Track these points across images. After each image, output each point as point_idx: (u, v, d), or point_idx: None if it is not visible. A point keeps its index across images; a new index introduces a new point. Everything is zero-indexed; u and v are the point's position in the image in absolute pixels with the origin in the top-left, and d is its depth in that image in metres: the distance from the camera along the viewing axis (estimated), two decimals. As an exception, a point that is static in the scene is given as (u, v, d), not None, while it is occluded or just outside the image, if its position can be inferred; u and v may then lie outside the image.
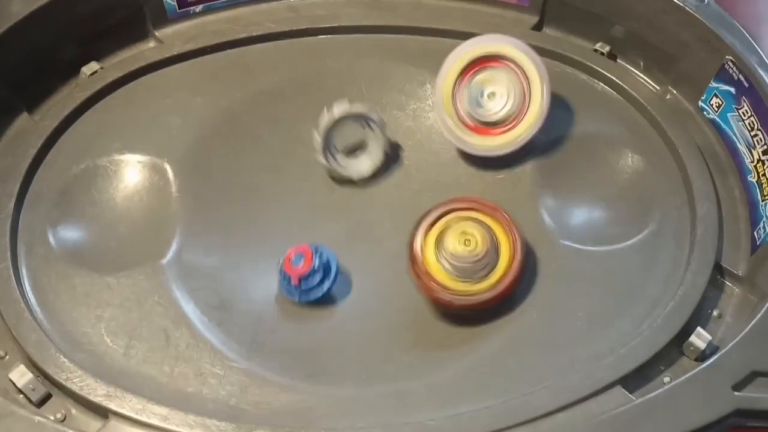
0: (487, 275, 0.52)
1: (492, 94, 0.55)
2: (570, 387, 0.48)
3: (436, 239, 0.53)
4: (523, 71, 0.57)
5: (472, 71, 0.58)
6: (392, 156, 0.62)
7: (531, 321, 0.53)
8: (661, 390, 0.42)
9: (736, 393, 0.43)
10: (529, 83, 0.56)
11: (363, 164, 0.59)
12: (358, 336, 0.53)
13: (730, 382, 0.43)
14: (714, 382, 0.43)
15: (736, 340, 0.45)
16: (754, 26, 0.62)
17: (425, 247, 0.52)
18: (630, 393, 0.48)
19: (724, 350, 0.44)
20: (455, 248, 0.52)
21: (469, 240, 0.52)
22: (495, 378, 0.50)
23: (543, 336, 0.53)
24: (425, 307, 0.55)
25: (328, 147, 0.57)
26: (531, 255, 0.54)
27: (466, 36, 0.67)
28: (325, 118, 0.55)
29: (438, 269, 0.52)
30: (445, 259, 0.52)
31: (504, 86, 0.56)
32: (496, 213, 0.54)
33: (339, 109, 0.56)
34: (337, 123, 0.57)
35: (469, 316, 0.53)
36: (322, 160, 0.57)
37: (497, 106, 0.56)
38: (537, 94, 0.56)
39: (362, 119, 0.59)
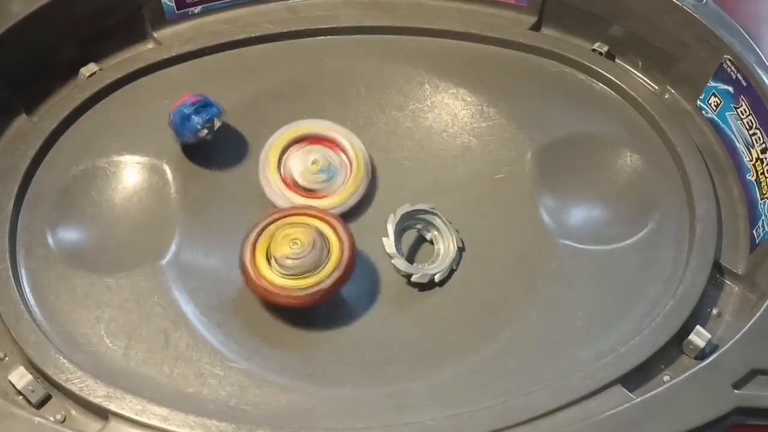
0: (318, 270, 0.52)
1: (315, 163, 0.59)
2: (570, 386, 0.48)
3: (266, 250, 0.53)
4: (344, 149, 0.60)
5: (299, 145, 0.61)
6: (391, 157, 0.63)
7: (530, 321, 0.53)
8: (660, 389, 0.42)
9: (736, 391, 0.43)
10: (348, 159, 0.60)
11: (439, 266, 0.57)
12: (357, 337, 0.53)
13: (730, 380, 0.43)
14: (714, 380, 0.43)
15: (736, 338, 0.45)
16: (752, 26, 0.62)
17: (255, 258, 0.53)
18: (630, 392, 0.48)
19: (723, 348, 0.44)
20: (283, 251, 0.52)
21: (297, 240, 0.52)
22: (494, 378, 0.50)
23: (542, 335, 0.53)
24: (425, 309, 0.55)
25: (400, 252, 0.56)
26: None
27: (463, 36, 0.68)
28: (390, 225, 0.55)
29: (270, 273, 0.52)
30: (276, 262, 0.52)
31: (327, 161, 0.59)
32: (320, 214, 0.55)
33: (401, 210, 0.56)
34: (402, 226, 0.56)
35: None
36: (402, 266, 0.55)
37: (321, 177, 0.59)
38: (357, 168, 0.59)
39: (424, 216, 0.58)
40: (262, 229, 0.54)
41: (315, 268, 0.52)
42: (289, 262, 0.52)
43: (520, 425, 0.46)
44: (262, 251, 0.53)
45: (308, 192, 0.59)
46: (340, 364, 0.52)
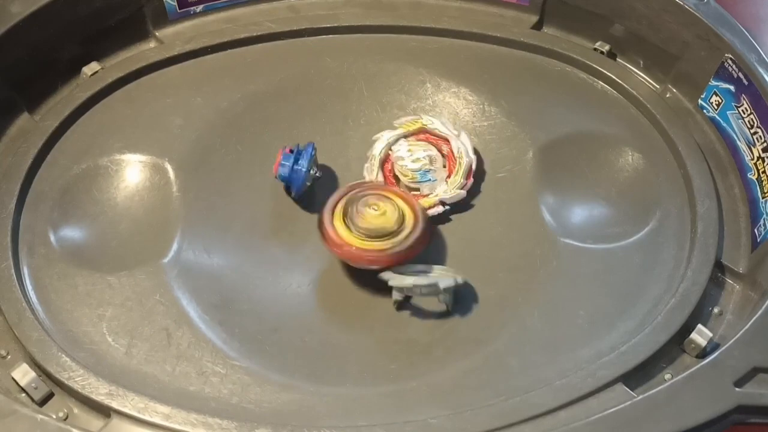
0: (398, 231, 0.54)
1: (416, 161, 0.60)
2: (571, 385, 0.48)
3: (343, 214, 0.55)
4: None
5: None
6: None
7: (532, 319, 0.53)
8: (662, 387, 0.42)
9: (737, 389, 0.43)
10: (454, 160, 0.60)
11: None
12: (359, 335, 0.54)
13: (732, 378, 0.43)
14: (715, 378, 0.43)
15: (737, 336, 0.45)
16: (752, 26, 0.62)
17: (335, 221, 0.55)
18: (631, 390, 0.48)
19: (725, 347, 0.44)
20: (365, 215, 0.54)
21: (377, 205, 0.54)
22: (496, 376, 0.50)
23: (544, 334, 0.53)
24: (427, 307, 0.55)
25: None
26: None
27: (465, 35, 0.68)
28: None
29: (351, 236, 0.54)
30: (356, 225, 0.54)
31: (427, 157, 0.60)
32: (392, 188, 0.57)
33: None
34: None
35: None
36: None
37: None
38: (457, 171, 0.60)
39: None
40: (342, 196, 0.56)
41: (390, 232, 0.54)
42: (366, 223, 0.54)
43: (522, 423, 0.46)
44: (339, 216, 0.55)
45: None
46: (341, 362, 0.52)
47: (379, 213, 0.54)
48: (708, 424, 0.40)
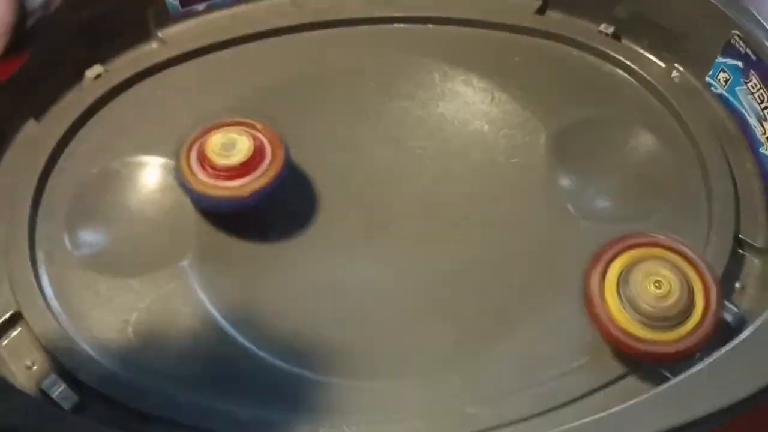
0: (681, 323, 0.45)
1: None
2: (606, 366, 0.48)
3: (617, 280, 0.46)
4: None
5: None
6: (403, 146, 0.62)
7: (560, 303, 0.53)
8: (703, 365, 0.42)
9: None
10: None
11: None
12: (388, 328, 0.53)
13: (770, 349, 0.43)
14: (756, 352, 0.43)
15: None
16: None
17: (605, 287, 0.46)
18: (664, 369, 0.49)
19: (759, 321, 0.44)
20: (644, 290, 0.45)
21: (660, 281, 0.45)
22: (529, 362, 0.50)
23: (573, 317, 0.52)
24: (450, 297, 0.55)
25: None
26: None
27: (469, 23, 0.68)
28: None
29: (621, 314, 0.46)
30: (629, 302, 0.46)
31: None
32: (683, 251, 0.47)
33: None
34: None
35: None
36: None
37: None
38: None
39: None
40: (615, 254, 0.47)
41: (679, 319, 0.45)
42: (650, 308, 0.45)
43: (561, 407, 0.46)
44: (612, 286, 0.46)
45: None
46: (373, 356, 0.52)
47: (663, 293, 0.44)
48: (753, 397, 0.40)
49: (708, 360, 0.44)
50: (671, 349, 0.45)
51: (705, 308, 0.45)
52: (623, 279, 0.46)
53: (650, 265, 0.46)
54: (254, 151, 0.54)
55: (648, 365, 0.48)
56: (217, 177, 0.53)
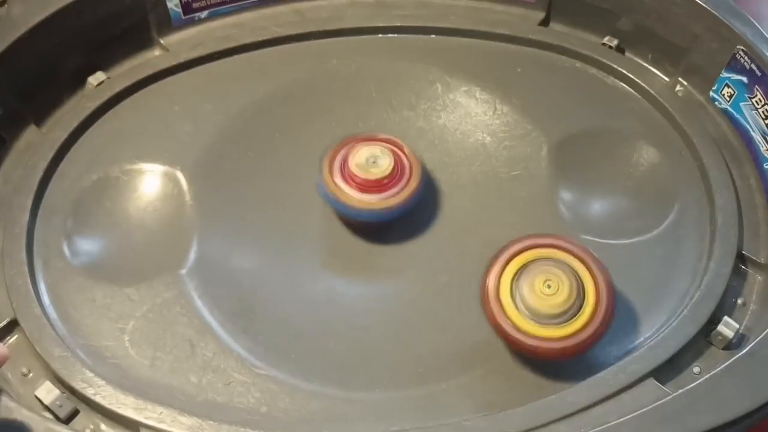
0: (569, 320, 0.47)
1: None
2: (603, 381, 0.48)
3: (512, 279, 0.49)
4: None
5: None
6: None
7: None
8: (702, 380, 0.42)
9: (776, 378, 0.43)
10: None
11: None
12: (385, 339, 0.53)
13: (769, 368, 0.43)
14: (754, 368, 0.42)
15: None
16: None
17: (500, 285, 0.48)
18: (662, 384, 0.48)
19: (761, 336, 0.44)
20: (535, 289, 0.48)
21: (551, 281, 0.47)
22: (526, 375, 0.50)
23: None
24: (450, 308, 0.54)
25: None
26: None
27: (473, 34, 0.67)
28: None
29: (514, 311, 0.48)
30: (522, 300, 0.48)
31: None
32: (581, 254, 0.49)
33: None
34: None
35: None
36: None
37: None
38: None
39: None
40: (510, 258, 0.49)
41: (570, 316, 0.47)
42: (536, 304, 0.47)
43: (557, 422, 0.46)
44: (507, 283, 0.48)
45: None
46: (369, 367, 0.51)
47: (552, 292, 0.47)
48: (750, 415, 0.40)
49: (705, 376, 0.44)
50: (558, 345, 0.47)
51: (595, 308, 0.47)
52: (517, 277, 0.48)
53: (544, 266, 0.48)
54: (395, 167, 0.56)
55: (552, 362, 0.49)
56: (362, 190, 0.55)
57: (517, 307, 0.48)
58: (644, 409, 0.40)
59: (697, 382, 0.41)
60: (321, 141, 0.62)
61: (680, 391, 0.41)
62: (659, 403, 0.41)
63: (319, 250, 0.57)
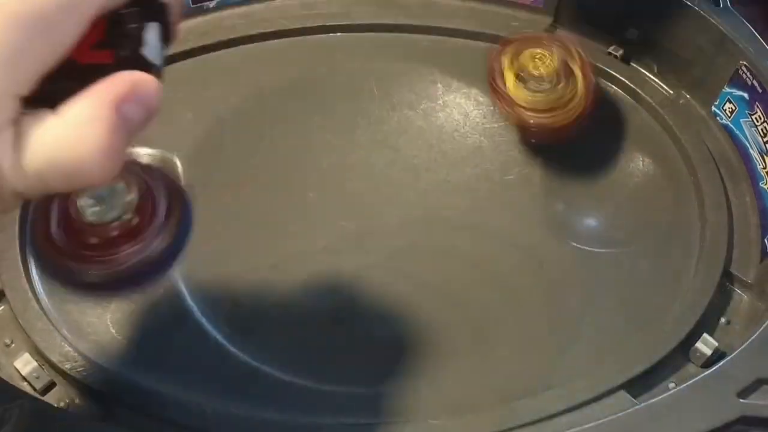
0: (563, 95, 0.55)
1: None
2: (574, 390, 0.48)
3: (510, 60, 0.56)
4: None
5: None
6: (401, 155, 0.62)
7: (536, 322, 0.53)
8: (665, 395, 0.41)
9: (741, 400, 0.42)
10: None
11: None
12: (359, 335, 0.53)
13: (735, 389, 0.43)
14: (719, 388, 0.42)
15: (742, 347, 0.45)
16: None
17: (505, 69, 0.56)
18: (634, 398, 0.48)
19: (729, 357, 0.44)
20: (530, 63, 0.55)
21: (542, 56, 0.56)
22: (498, 379, 0.50)
23: (548, 338, 0.53)
24: (429, 309, 0.54)
25: None
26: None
27: (478, 36, 0.67)
28: None
29: (518, 89, 0.55)
30: (522, 78, 0.55)
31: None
32: (566, 44, 0.57)
33: None
34: None
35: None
36: None
37: None
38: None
39: None
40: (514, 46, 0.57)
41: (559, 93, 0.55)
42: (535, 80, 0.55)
43: (523, 427, 0.46)
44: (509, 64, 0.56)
45: None
46: (342, 362, 0.52)
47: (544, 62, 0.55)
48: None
49: (673, 390, 0.44)
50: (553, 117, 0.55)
51: (583, 81, 0.56)
52: (516, 60, 0.56)
53: (537, 50, 0.57)
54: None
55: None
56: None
57: (518, 85, 0.55)
58: (602, 420, 0.40)
59: (660, 396, 0.41)
60: (320, 136, 0.62)
61: (642, 404, 0.41)
62: (619, 415, 0.41)
63: (312, 245, 0.58)
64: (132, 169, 0.38)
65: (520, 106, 0.56)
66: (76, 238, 0.36)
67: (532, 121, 0.56)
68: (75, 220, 0.36)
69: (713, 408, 0.42)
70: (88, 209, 0.36)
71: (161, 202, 0.38)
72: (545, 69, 0.56)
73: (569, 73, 0.56)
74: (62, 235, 0.37)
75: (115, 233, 0.36)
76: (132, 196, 0.37)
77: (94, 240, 0.36)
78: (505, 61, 0.57)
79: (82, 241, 0.36)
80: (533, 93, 0.56)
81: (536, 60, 0.56)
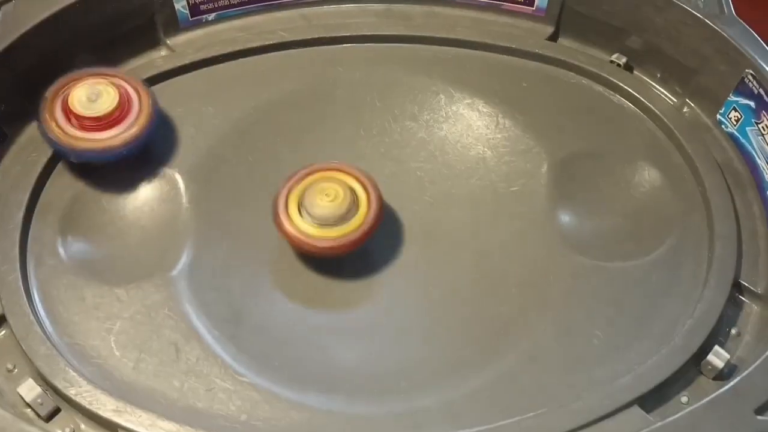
0: (346, 222, 0.54)
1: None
2: (586, 406, 0.47)
3: (298, 197, 0.55)
4: None
5: None
6: (405, 167, 0.62)
7: (546, 338, 0.52)
8: (682, 413, 0.41)
9: (758, 417, 0.42)
10: None
11: None
12: (370, 351, 0.53)
13: (753, 405, 0.42)
14: (736, 405, 0.42)
15: (758, 363, 0.44)
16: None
17: (289, 203, 0.55)
18: (647, 413, 0.47)
19: (745, 373, 0.43)
20: (316, 201, 0.54)
21: (328, 192, 0.55)
22: (508, 396, 0.50)
23: (557, 354, 0.52)
24: (438, 325, 0.54)
25: None
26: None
27: (479, 46, 0.67)
28: None
29: (300, 221, 0.54)
30: (307, 211, 0.54)
31: None
32: (354, 173, 0.57)
33: None
34: None
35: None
36: None
37: None
38: None
39: None
40: (297, 181, 0.56)
41: (343, 219, 0.54)
42: (318, 210, 0.54)
43: (536, 446, 0.45)
44: (294, 201, 0.55)
45: None
46: (352, 380, 0.51)
47: (330, 199, 0.54)
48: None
49: (690, 408, 0.43)
50: (335, 243, 0.53)
51: (366, 211, 0.55)
52: (303, 194, 0.55)
53: (324, 183, 0.56)
54: (120, 102, 0.56)
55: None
56: (85, 129, 0.56)
57: (302, 216, 0.54)
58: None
59: (678, 414, 0.41)
60: (322, 149, 0.62)
61: (659, 423, 0.41)
62: (636, 433, 0.40)
63: (311, 258, 0.57)
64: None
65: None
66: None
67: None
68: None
69: (731, 425, 0.41)
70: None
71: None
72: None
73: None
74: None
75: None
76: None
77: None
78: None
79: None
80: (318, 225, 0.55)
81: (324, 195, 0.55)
